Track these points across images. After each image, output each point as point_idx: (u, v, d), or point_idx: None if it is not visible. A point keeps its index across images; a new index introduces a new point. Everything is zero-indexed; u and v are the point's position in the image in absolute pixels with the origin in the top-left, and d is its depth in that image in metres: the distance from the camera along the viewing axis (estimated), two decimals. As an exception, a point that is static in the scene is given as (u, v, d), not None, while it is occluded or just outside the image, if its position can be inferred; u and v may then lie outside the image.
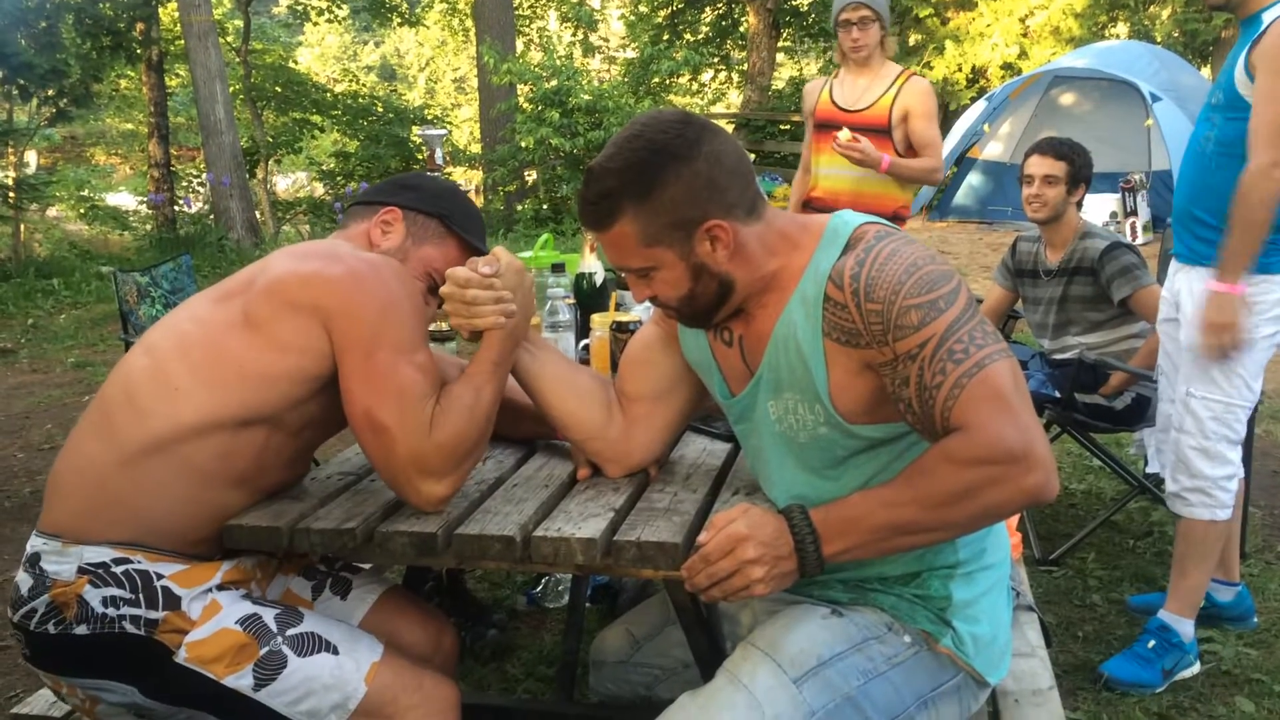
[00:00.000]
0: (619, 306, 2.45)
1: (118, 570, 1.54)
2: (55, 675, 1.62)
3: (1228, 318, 2.43)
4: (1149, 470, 3.44)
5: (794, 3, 16.28)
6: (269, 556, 1.77)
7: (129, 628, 1.53)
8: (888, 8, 3.79)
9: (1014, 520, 2.39)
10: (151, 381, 1.59)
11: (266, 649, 1.56)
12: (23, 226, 12.28)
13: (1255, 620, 2.94)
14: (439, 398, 1.59)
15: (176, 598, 1.56)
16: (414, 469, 1.55)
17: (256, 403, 1.58)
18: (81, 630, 1.54)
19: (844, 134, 3.61)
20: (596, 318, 2.33)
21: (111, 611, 1.53)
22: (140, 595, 1.54)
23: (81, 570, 1.54)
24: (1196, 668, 2.70)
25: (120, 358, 1.72)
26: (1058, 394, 3.40)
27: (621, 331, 2.23)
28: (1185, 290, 2.58)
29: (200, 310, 1.66)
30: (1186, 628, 2.67)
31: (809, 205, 3.90)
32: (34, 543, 1.59)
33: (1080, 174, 3.38)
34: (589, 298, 2.58)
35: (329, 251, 1.65)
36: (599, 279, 2.62)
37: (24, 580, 1.58)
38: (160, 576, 1.56)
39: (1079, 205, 3.43)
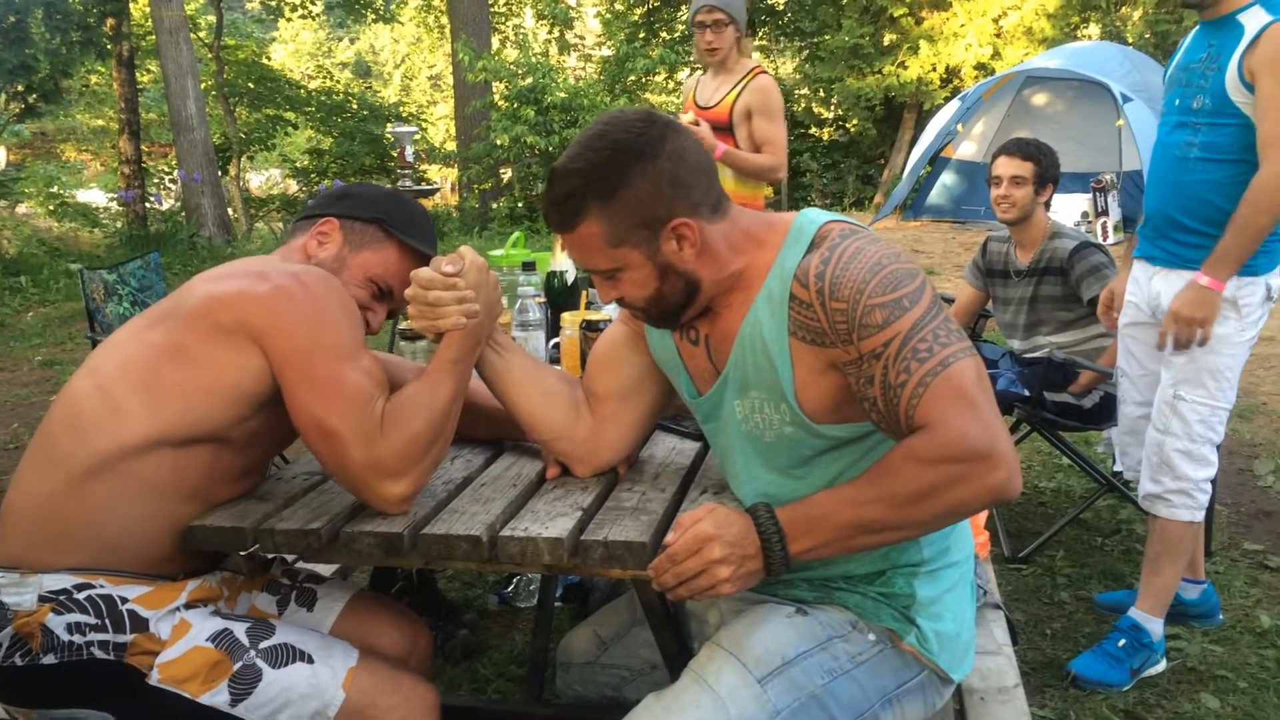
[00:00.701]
0: (589, 305, 2.45)
1: (80, 596, 1.53)
2: (28, 710, 1.60)
3: (1204, 313, 2.45)
4: (1116, 469, 3.47)
5: (770, 2, 16.31)
6: (234, 573, 1.76)
7: (98, 653, 1.52)
8: (743, 9, 3.85)
9: (981, 518, 2.40)
10: (94, 403, 1.57)
11: (240, 663, 1.54)
12: (-10, 223, 12.15)
13: (1221, 617, 2.97)
14: (395, 397, 1.58)
15: (143, 620, 1.54)
16: (370, 471, 1.53)
17: (198, 421, 1.56)
18: (50, 660, 1.52)
19: (686, 117, 3.72)
20: (567, 316, 2.33)
21: (78, 638, 1.51)
22: (106, 620, 1.53)
23: (43, 598, 1.53)
24: (1163, 665, 2.72)
25: (87, 355, 1.71)
26: (1027, 392, 3.42)
27: (592, 330, 2.23)
28: (1166, 294, 2.59)
29: (138, 332, 1.64)
30: (1157, 626, 2.69)
31: None
32: None
33: (1048, 174, 3.40)
34: (560, 296, 2.57)
35: (252, 269, 1.62)
36: (570, 277, 2.61)
37: None
38: (125, 600, 1.55)
39: (1047, 205, 3.46)
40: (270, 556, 1.95)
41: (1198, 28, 2.59)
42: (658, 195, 1.42)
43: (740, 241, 1.50)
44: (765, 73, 3.82)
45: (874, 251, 1.40)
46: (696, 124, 3.65)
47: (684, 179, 1.43)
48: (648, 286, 1.49)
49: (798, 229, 1.48)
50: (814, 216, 1.49)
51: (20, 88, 10.92)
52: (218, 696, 1.52)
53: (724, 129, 3.73)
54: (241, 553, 1.85)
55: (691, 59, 16.84)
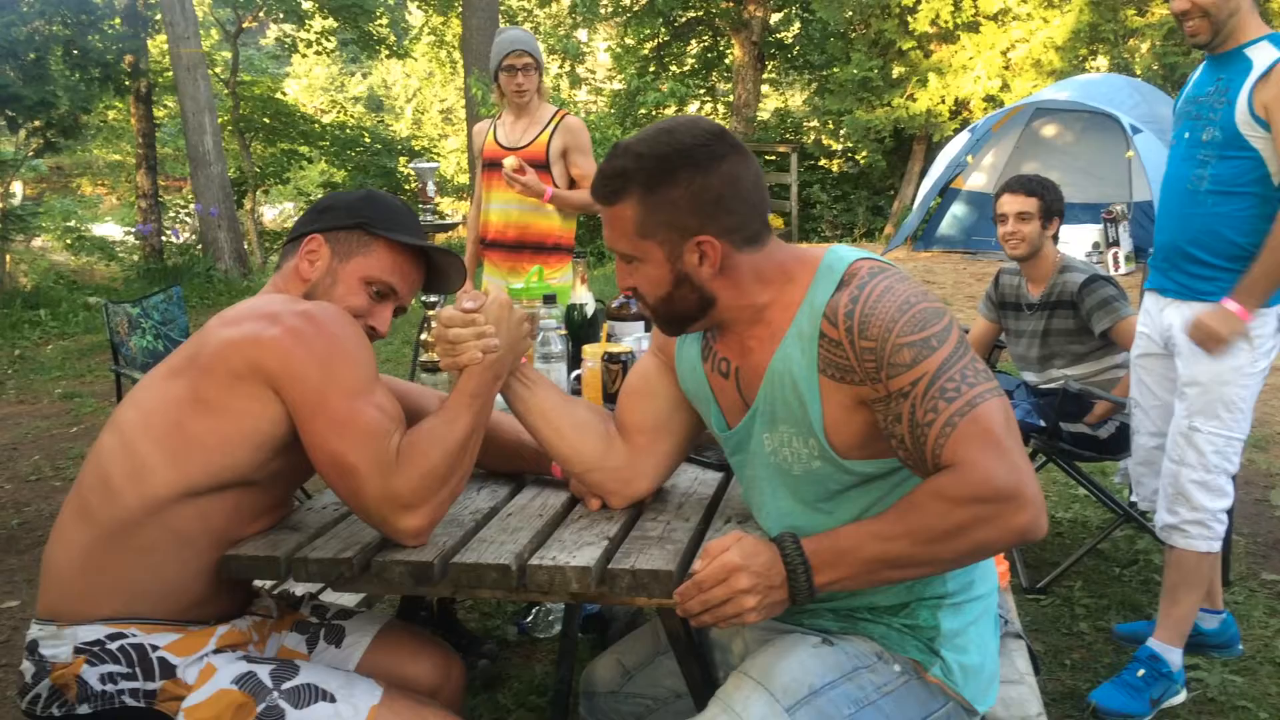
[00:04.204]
0: (610, 337, 2.48)
1: (113, 646, 1.57)
2: None
3: (1227, 330, 2.49)
4: (1133, 499, 3.47)
5: (779, 35, 16.45)
6: (264, 618, 1.79)
7: (129, 701, 1.56)
8: (542, 55, 4.05)
9: (1001, 548, 2.40)
10: (121, 460, 1.61)
11: (264, 705, 1.56)
12: (8, 257, 12.27)
13: (1240, 648, 2.96)
14: (412, 431, 1.60)
15: (172, 666, 1.58)
16: (386, 504, 1.55)
17: (221, 470, 1.59)
18: (84, 709, 1.56)
19: (510, 161, 3.84)
20: (588, 349, 2.36)
21: (110, 688, 1.55)
22: (137, 668, 1.56)
23: (78, 650, 1.56)
24: (1183, 695, 2.72)
25: (109, 389, 1.76)
26: (1043, 423, 3.43)
27: (613, 362, 2.26)
28: (1179, 325, 2.62)
29: (156, 386, 1.66)
30: (1176, 656, 2.69)
31: (484, 242, 4.09)
32: (32, 630, 1.61)
33: (1052, 207, 3.43)
34: (581, 329, 2.60)
35: (264, 312, 1.63)
36: (590, 310, 2.65)
37: (27, 668, 1.60)
38: (155, 648, 1.58)
39: (1055, 238, 3.49)
40: (299, 595, 1.98)
41: (1205, 61, 2.63)
42: (695, 207, 1.46)
43: (772, 274, 1.52)
44: (570, 114, 4.05)
45: (902, 290, 1.42)
46: (521, 170, 3.81)
47: (727, 202, 1.47)
48: (661, 287, 1.53)
49: (827, 266, 1.51)
50: (843, 254, 1.52)
51: (39, 123, 11.05)
52: None
53: (541, 166, 3.91)
54: (272, 591, 1.88)
55: (701, 92, 17.02)
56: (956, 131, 11.95)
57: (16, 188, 17.22)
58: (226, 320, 1.65)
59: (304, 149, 16.55)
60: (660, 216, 1.47)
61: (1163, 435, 2.76)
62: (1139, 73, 12.04)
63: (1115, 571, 3.55)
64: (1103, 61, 13.04)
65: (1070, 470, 3.57)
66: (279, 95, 17.74)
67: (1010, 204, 3.43)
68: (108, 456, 1.62)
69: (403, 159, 16.71)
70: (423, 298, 2.47)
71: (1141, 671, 2.67)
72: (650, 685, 1.83)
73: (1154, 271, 2.74)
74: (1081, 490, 3.95)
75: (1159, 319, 2.71)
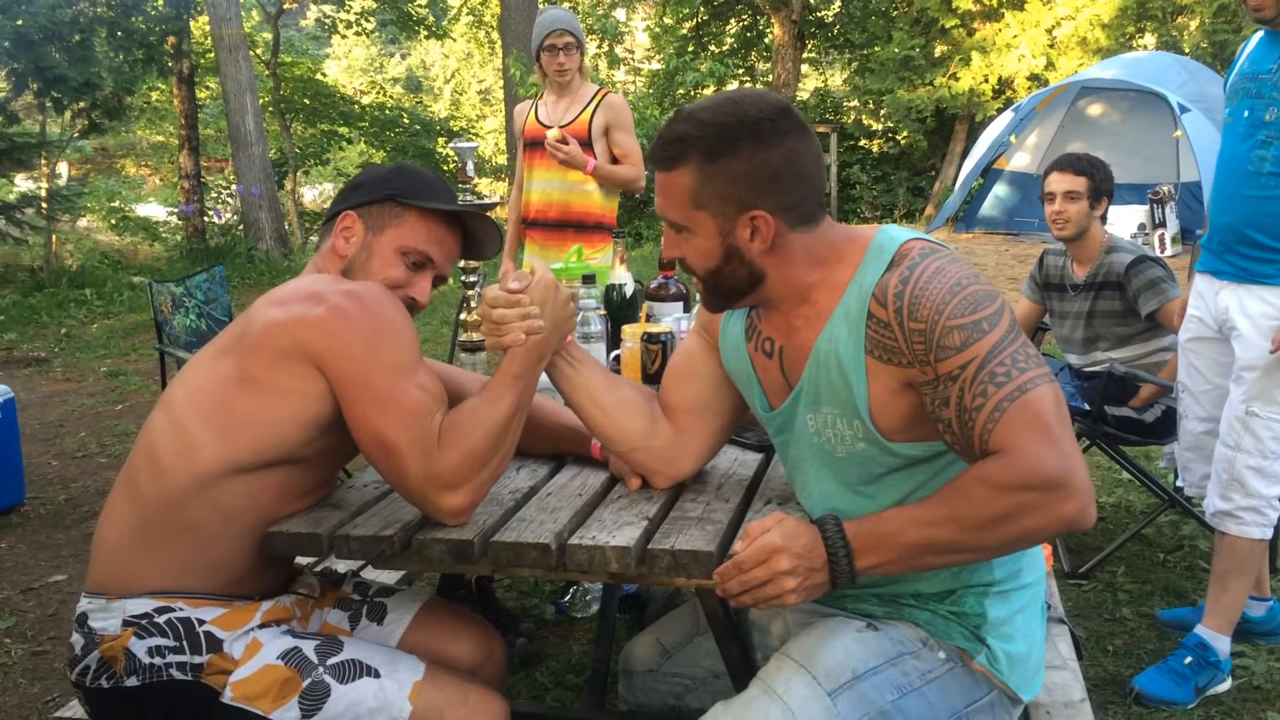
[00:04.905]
0: (649, 317, 2.47)
1: (160, 620, 1.59)
2: None
3: None
4: (1179, 484, 3.42)
5: (819, 14, 16.29)
6: (307, 596, 1.80)
7: (176, 674, 1.58)
8: (583, 34, 4.06)
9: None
10: (170, 438, 1.62)
11: (310, 680, 1.58)
12: (54, 237, 12.44)
13: (1288, 635, 2.91)
14: (454, 411, 1.60)
15: (219, 640, 1.59)
16: (428, 484, 1.55)
17: (268, 448, 1.60)
18: (132, 682, 1.58)
19: (553, 133, 3.85)
20: (627, 329, 2.35)
21: (158, 661, 1.57)
22: (184, 642, 1.58)
23: (126, 623, 1.59)
24: (1228, 683, 2.68)
25: (153, 367, 1.78)
26: (1087, 406, 3.38)
27: (652, 343, 2.25)
28: (1236, 309, 2.56)
29: (205, 364, 1.68)
30: (1224, 644, 2.65)
31: (526, 221, 4.09)
32: (81, 603, 1.64)
33: (1102, 187, 3.36)
34: (619, 309, 2.59)
35: (309, 292, 1.63)
36: (629, 290, 2.64)
37: (76, 640, 1.63)
38: (202, 622, 1.60)
39: (1103, 219, 3.42)
40: (342, 572, 1.99)
41: (1262, 36, 2.56)
42: (753, 181, 1.44)
43: (822, 254, 1.50)
44: (612, 92, 4.07)
45: (954, 272, 1.40)
46: (564, 141, 3.82)
47: (785, 180, 1.45)
48: (710, 259, 1.51)
49: (878, 246, 1.48)
50: (894, 234, 1.50)
51: (84, 104, 11.17)
52: (289, 713, 1.56)
53: (584, 144, 3.92)
54: (314, 568, 1.90)
55: (740, 72, 16.90)
56: (1000, 111, 11.80)
57: (62, 168, 17.47)
58: (273, 301, 1.66)
59: (344, 130, 16.65)
60: (716, 187, 1.45)
61: (1213, 420, 2.71)
62: (1187, 50, 11.81)
63: (1159, 557, 3.50)
64: (1150, 39, 12.81)
65: (1114, 454, 3.52)
66: (319, 76, 17.84)
67: (1058, 183, 3.37)
68: (157, 434, 1.65)
69: (441, 139, 16.77)
70: (462, 277, 2.48)
71: (1189, 659, 2.64)
72: (689, 665, 1.83)
73: (1207, 253, 2.68)
74: (1125, 475, 3.90)
75: (1213, 302, 2.65)
